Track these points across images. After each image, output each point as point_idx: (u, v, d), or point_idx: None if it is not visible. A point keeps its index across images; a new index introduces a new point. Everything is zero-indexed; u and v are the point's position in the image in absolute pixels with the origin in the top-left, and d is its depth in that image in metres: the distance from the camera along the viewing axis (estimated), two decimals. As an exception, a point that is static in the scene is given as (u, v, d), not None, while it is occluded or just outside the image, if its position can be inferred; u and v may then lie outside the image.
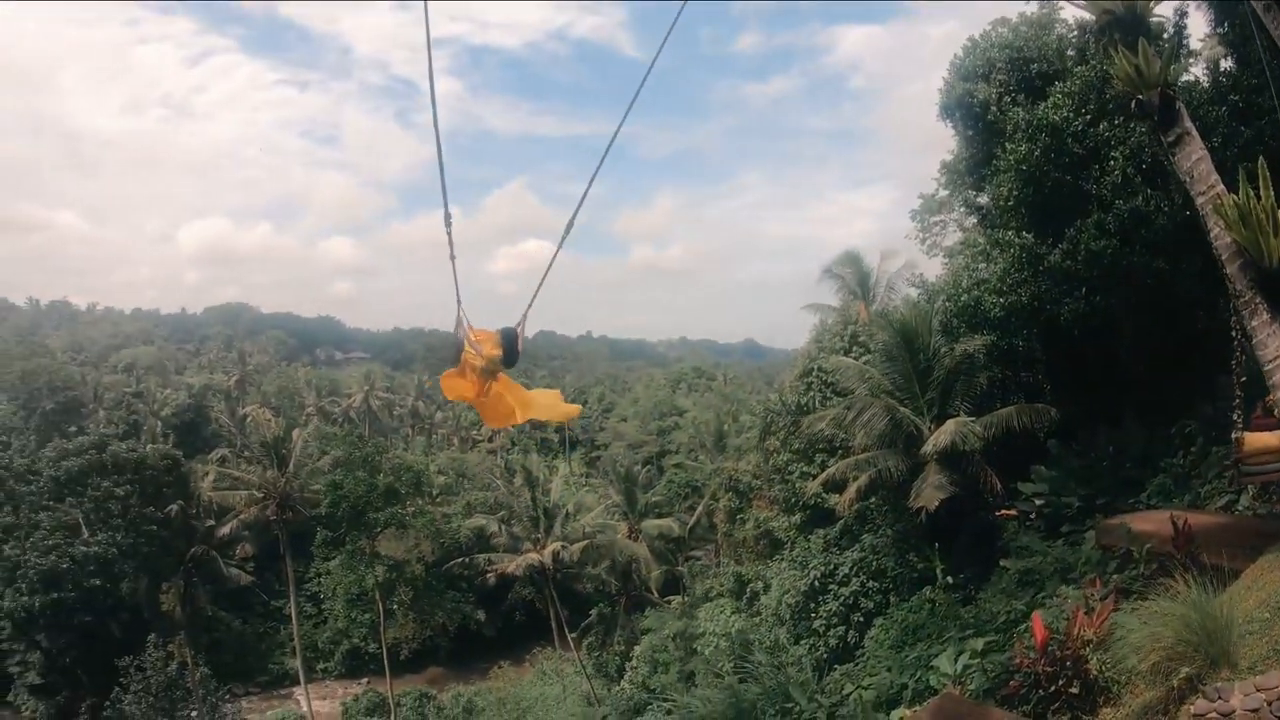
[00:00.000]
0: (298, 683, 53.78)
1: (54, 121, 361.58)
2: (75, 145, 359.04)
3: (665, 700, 28.22)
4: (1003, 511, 20.99)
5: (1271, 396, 10.55)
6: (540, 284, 7.77)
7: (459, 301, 7.69)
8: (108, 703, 40.88)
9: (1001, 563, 18.84)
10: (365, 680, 56.54)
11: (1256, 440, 10.65)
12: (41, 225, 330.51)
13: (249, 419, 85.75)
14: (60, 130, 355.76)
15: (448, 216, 7.05)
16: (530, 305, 7.61)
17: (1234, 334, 10.73)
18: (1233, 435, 10.72)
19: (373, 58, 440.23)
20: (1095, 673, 9.66)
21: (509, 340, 7.63)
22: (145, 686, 39.36)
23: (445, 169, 6.67)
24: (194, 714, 42.51)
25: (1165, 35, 17.04)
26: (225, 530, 53.29)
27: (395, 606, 56.29)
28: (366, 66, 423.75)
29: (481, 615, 60.76)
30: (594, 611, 50.48)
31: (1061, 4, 16.25)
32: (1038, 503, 19.37)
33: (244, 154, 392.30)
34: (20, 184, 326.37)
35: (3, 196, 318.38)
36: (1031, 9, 21.46)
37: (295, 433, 58.71)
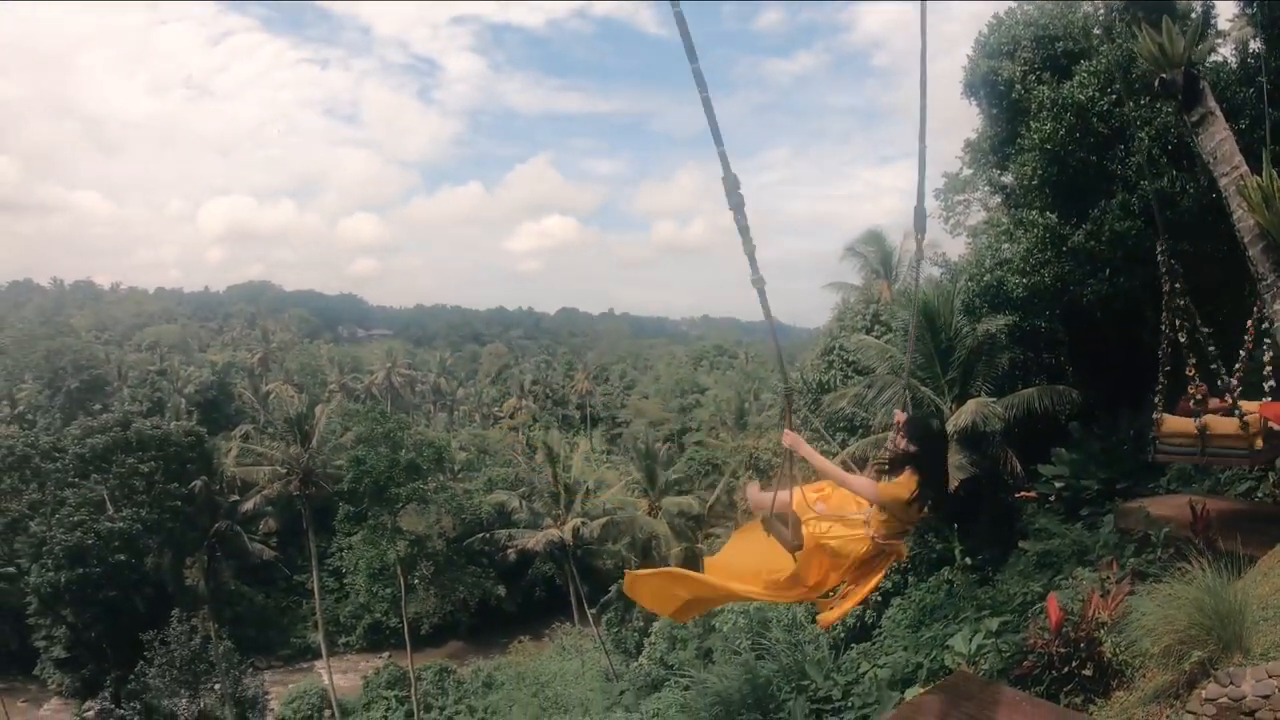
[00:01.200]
0: (319, 656, 54.50)
1: (76, 103, 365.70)
2: (98, 127, 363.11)
3: (682, 676, 28.40)
4: (1022, 493, 20.94)
5: (1200, 387, 10.93)
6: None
7: (774, 338, 5.19)
8: (132, 676, 41.62)
9: (1020, 544, 18.80)
10: (386, 654, 57.19)
11: (1173, 423, 11.29)
12: (65, 206, 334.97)
13: (272, 396, 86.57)
14: (83, 112, 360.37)
15: (733, 182, 4.41)
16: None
17: (1252, 318, 10.88)
18: (1153, 415, 11.27)
19: (393, 36, 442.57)
20: (1109, 655, 9.66)
21: (933, 460, 4.98)
22: (169, 660, 40.07)
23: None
24: (217, 687, 43.16)
25: (1193, 15, 16.77)
26: (249, 505, 53.95)
27: (416, 581, 56.96)
28: (387, 44, 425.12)
29: (502, 590, 61.31)
30: (613, 588, 50.70)
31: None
32: (1057, 485, 19.28)
33: (266, 133, 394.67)
34: (44, 166, 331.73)
35: (27, 178, 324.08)
36: (1058, -16, 21.20)
37: (318, 409, 59.31)
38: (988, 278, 21.57)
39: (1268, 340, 10.99)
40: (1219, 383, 11.11)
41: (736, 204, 4.47)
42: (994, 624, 15.37)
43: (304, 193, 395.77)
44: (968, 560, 21.07)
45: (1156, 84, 10.70)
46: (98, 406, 69.57)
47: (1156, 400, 11.38)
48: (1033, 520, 18.97)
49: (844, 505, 5.05)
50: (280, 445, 54.44)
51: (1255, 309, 10.76)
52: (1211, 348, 11.02)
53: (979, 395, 21.56)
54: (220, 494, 55.27)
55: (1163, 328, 11.16)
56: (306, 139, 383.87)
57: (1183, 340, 11.02)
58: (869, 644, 21.90)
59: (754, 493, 6.06)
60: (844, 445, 25.38)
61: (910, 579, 23.49)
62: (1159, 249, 11.04)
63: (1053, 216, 18.35)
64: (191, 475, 52.93)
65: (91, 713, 42.75)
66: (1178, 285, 10.99)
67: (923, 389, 22.25)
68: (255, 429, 72.80)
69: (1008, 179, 23.44)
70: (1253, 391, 11.27)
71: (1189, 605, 7.98)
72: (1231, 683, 7.11)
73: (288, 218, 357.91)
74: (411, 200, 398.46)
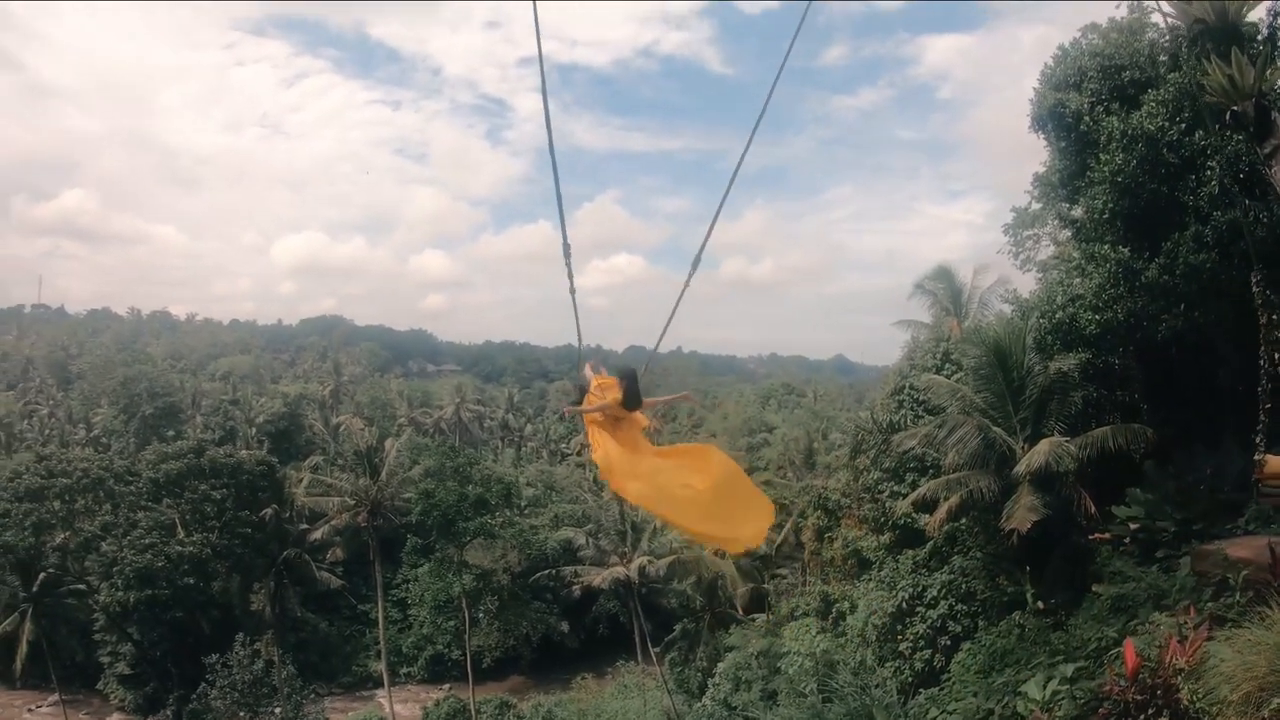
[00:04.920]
0: (381, 685, 55.02)
1: (155, 139, 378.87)
2: (175, 162, 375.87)
3: (747, 718, 28.05)
4: (1096, 535, 20.36)
5: None
6: (670, 318, 7.65)
7: (580, 340, 7.97)
8: (194, 696, 42.53)
9: (1094, 588, 18.28)
10: (447, 686, 57.29)
11: (1277, 464, 10.67)
12: (143, 238, 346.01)
13: (342, 428, 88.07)
14: (161, 147, 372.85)
15: (566, 248, 6.90)
16: (659, 340, 7.77)
17: None
18: (1255, 457, 10.80)
19: (463, 77, 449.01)
20: (1186, 702, 9.33)
21: (629, 383, 7.59)
22: (231, 682, 40.69)
23: (546, 188, 6.78)
24: (278, 711, 43.70)
25: (1259, 39, 16.39)
26: (317, 534, 54.98)
27: (481, 615, 57.18)
28: (457, 85, 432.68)
29: (565, 627, 61.22)
30: (678, 627, 50.35)
31: (1152, 7, 15.69)
32: (1132, 527, 18.73)
33: (338, 170, 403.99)
34: (123, 199, 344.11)
35: (107, 210, 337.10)
36: (1121, 13, 20.91)
37: (388, 442, 60.21)
38: (1059, 314, 21.16)
39: None
40: None
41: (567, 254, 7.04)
42: (1069, 670, 14.98)
43: (374, 228, 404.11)
44: (1039, 604, 20.56)
45: (1228, 116, 10.50)
46: (171, 433, 71.96)
47: (1259, 440, 10.88)
48: (1107, 563, 18.44)
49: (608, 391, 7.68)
50: (349, 477, 55.38)
51: None
52: None
53: (1051, 434, 21.04)
54: (290, 522, 56.34)
55: (1260, 362, 10.73)
56: (377, 177, 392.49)
57: None
58: (937, 689, 21.45)
59: (587, 369, 8.47)
60: (914, 486, 24.94)
61: (981, 622, 22.94)
62: (1254, 280, 10.62)
63: (1125, 250, 17.98)
64: (262, 503, 54.07)
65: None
66: (1275, 316, 10.53)
67: (994, 428, 21.82)
68: (325, 460, 74.18)
69: (1078, 212, 23.05)
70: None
71: (1270, 651, 7.71)
72: (1313, 733, 6.82)
73: (359, 253, 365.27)
74: (480, 238, 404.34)
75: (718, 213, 6.95)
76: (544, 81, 5.90)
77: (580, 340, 7.92)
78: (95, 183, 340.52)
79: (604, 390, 7.64)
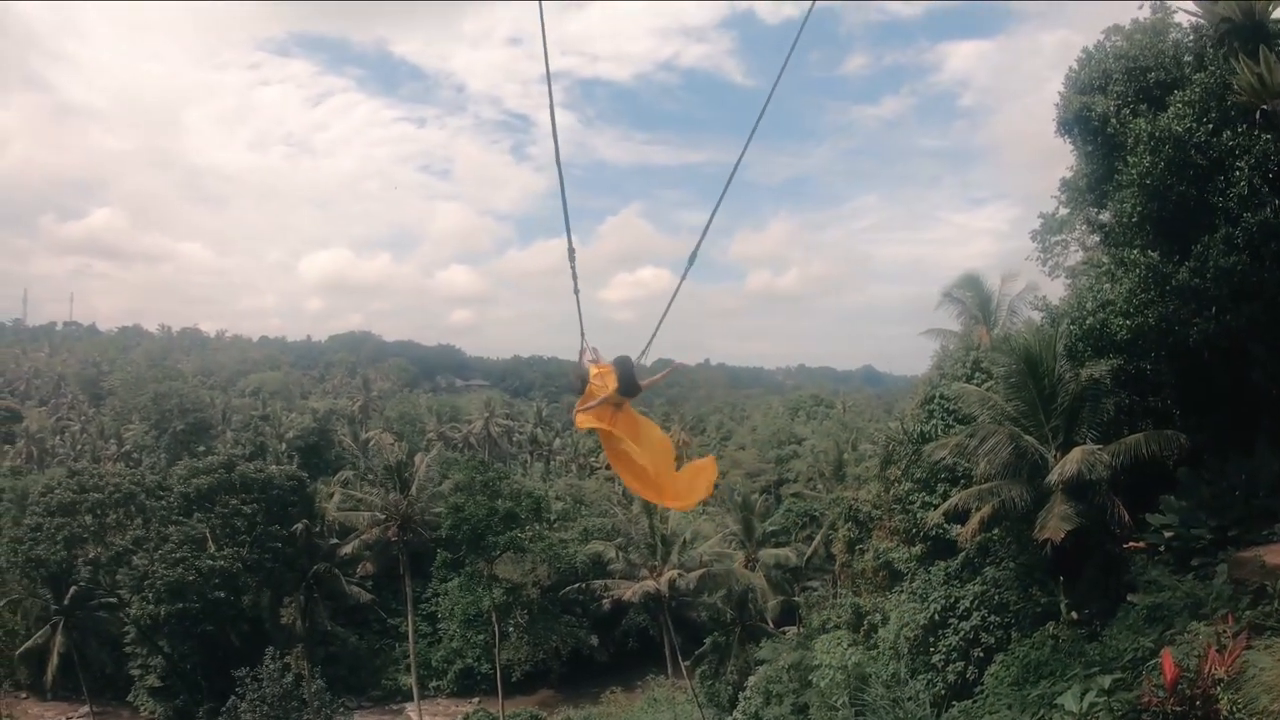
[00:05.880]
0: (410, 699, 55.13)
1: (182, 158, 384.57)
2: (202, 180, 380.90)
3: (778, 732, 27.86)
4: (1130, 544, 20.06)
5: None
6: (661, 319, 7.93)
7: (583, 334, 8.21)
8: (224, 709, 42.60)
9: (1129, 597, 18.02)
10: (476, 699, 57.36)
11: None
12: (171, 256, 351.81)
13: (372, 443, 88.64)
14: (187, 166, 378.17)
15: (571, 252, 7.18)
16: (652, 338, 7.93)
17: None
18: None
19: (486, 94, 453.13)
20: (1226, 713, 9.19)
21: (624, 370, 7.77)
22: (260, 696, 40.81)
23: (565, 200, 6.98)
24: (308, 723, 43.77)
25: (1285, 34, 16.14)
26: (347, 549, 55.29)
27: (510, 628, 57.24)
28: (480, 102, 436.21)
29: (595, 640, 61.08)
30: (708, 640, 50.12)
31: (1175, 7, 15.46)
32: (1167, 535, 18.43)
33: (363, 187, 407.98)
34: (151, 217, 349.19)
35: (134, 229, 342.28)
36: (1144, 14, 20.67)
37: (417, 457, 60.54)
38: (1090, 320, 20.92)
39: None
40: None
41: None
42: (1106, 681, 14.72)
43: (401, 245, 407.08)
44: (1074, 615, 20.27)
45: (1257, 115, 10.33)
46: (202, 448, 72.64)
47: None
48: (1142, 572, 18.16)
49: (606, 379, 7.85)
50: (379, 491, 55.69)
51: None
52: None
53: (1084, 442, 20.77)
54: (320, 536, 56.76)
55: None
56: (402, 194, 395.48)
57: None
58: (971, 702, 21.20)
59: (585, 358, 8.45)
60: (945, 497, 24.69)
61: (1014, 634, 22.65)
62: None
63: (1154, 255, 17.74)
64: (293, 518, 54.51)
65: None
66: None
67: (1026, 437, 21.56)
68: (355, 475, 74.58)
69: (1106, 217, 22.79)
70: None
71: (1308, 660, 7.52)
72: (1355, 744, 6.64)
73: (385, 269, 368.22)
74: (506, 253, 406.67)
75: (716, 207, 7.00)
76: (550, 83, 6.35)
77: (583, 335, 8.22)
78: (123, 201, 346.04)
79: (604, 378, 7.88)
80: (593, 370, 8.10)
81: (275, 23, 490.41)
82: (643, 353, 8.03)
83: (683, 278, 7.52)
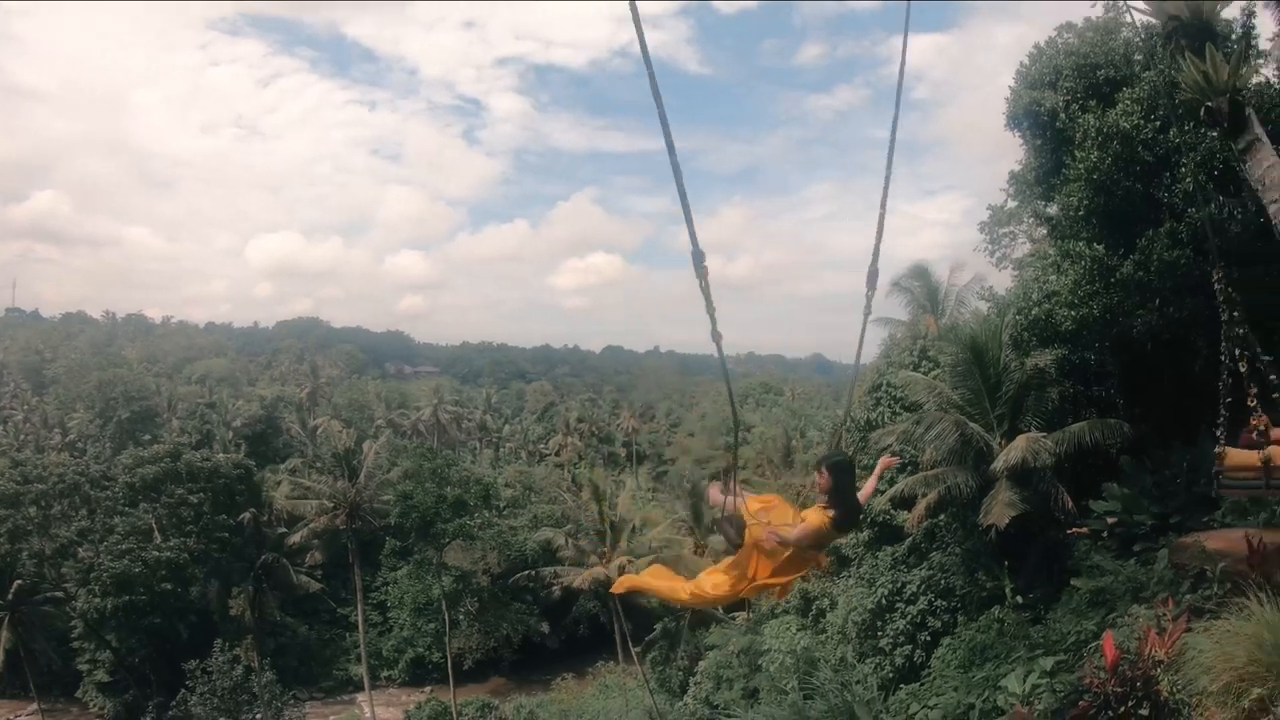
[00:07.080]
0: (362, 689, 54.72)
1: (129, 141, 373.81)
2: (149, 164, 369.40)
3: (729, 717, 28.08)
4: (1074, 530, 20.51)
5: (1262, 419, 10.53)
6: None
7: (734, 474, 6.82)
8: (174, 703, 42.12)
9: (1072, 582, 18.43)
10: (428, 689, 57.08)
11: (1236, 456, 10.73)
12: (116, 241, 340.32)
13: (320, 430, 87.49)
14: (135, 149, 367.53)
15: (699, 257, 4.78)
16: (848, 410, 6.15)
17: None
18: (1215, 449, 10.85)
19: (439, 78, 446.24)
20: (1166, 694, 9.42)
21: (842, 479, 5.90)
22: (211, 689, 40.37)
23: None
24: (258, 717, 43.30)
25: (1233, 36, 16.54)
26: (296, 538, 54.66)
27: (461, 617, 57.04)
28: (433, 86, 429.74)
29: (546, 628, 61.12)
30: (658, 626, 50.33)
31: (1126, 7, 15.73)
32: (1110, 521, 18.87)
33: (315, 171, 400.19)
34: (96, 201, 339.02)
35: (79, 213, 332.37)
36: (1097, 12, 21.11)
37: (366, 445, 59.94)
38: (1035, 311, 21.30)
39: None
40: None
41: (701, 274, 4.86)
42: (1048, 663, 15.12)
43: (351, 230, 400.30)
44: (1019, 599, 20.70)
45: (1202, 113, 10.58)
46: (147, 437, 71.39)
47: (1218, 433, 10.98)
48: (1085, 557, 18.59)
49: (784, 517, 6.05)
50: (328, 480, 55.05)
51: None
52: (1273, 377, 10.66)
53: (1028, 430, 21.22)
54: (268, 526, 56.05)
55: (1222, 358, 10.84)
56: (353, 178, 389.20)
57: (1243, 370, 10.68)
58: (918, 685, 21.54)
59: (714, 493, 6.78)
60: (892, 483, 25.06)
61: (960, 617, 23.09)
62: (1215, 276, 10.72)
63: (1100, 247, 18.10)
64: (240, 507, 53.77)
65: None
66: (1236, 313, 10.67)
67: (971, 425, 21.95)
68: (303, 463, 73.64)
69: (1053, 210, 23.22)
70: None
71: (1247, 642, 7.78)
72: (1292, 721, 6.90)
73: (335, 255, 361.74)
74: (457, 238, 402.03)
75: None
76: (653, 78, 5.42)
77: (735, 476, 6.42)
78: (67, 185, 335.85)
79: (776, 512, 6.07)
80: (752, 505, 6.11)
81: (226, 2, 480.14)
82: (843, 420, 6.32)
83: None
